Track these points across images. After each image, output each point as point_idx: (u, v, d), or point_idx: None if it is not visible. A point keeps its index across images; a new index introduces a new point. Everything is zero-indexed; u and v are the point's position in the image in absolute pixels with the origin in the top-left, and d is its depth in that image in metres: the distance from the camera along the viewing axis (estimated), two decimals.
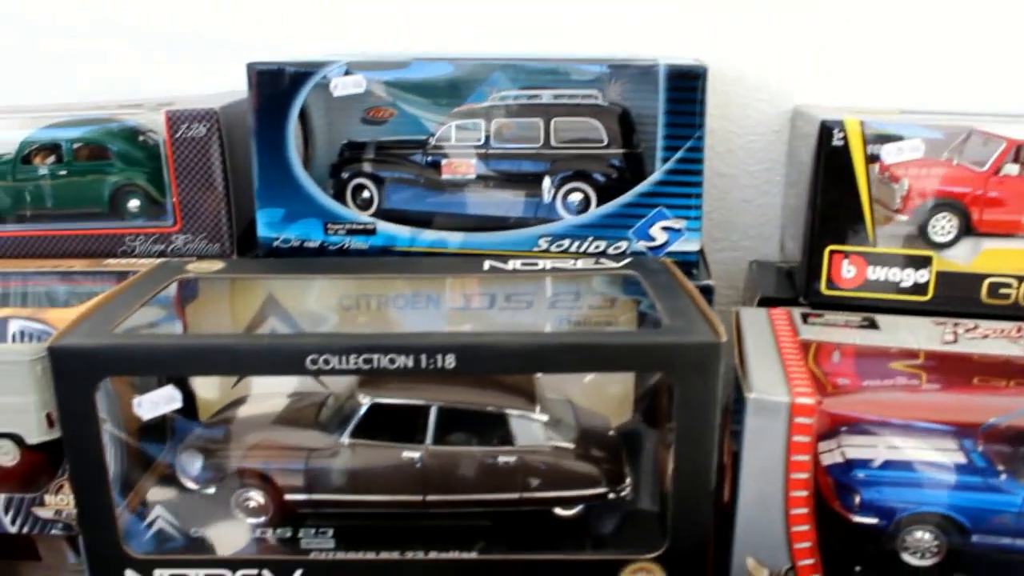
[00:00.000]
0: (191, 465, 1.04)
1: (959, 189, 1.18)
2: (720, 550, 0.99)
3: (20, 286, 1.34)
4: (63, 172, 1.41)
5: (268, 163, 1.25)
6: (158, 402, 0.94)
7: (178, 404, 0.95)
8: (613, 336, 0.97)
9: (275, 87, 1.23)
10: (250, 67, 1.22)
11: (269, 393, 1.16)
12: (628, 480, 1.04)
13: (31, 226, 1.40)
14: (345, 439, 1.02)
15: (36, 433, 1.21)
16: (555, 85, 1.29)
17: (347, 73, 1.24)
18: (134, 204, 1.40)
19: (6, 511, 1.16)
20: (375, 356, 0.89)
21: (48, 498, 1.14)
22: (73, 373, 0.91)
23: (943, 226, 1.20)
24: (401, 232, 1.26)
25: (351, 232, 1.27)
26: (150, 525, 1.02)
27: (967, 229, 1.20)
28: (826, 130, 1.14)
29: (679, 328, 0.92)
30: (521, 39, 1.45)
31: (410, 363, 0.89)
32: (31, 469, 1.24)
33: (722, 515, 0.98)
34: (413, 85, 1.32)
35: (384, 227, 1.26)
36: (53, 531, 1.16)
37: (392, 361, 0.89)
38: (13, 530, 1.17)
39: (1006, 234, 1.18)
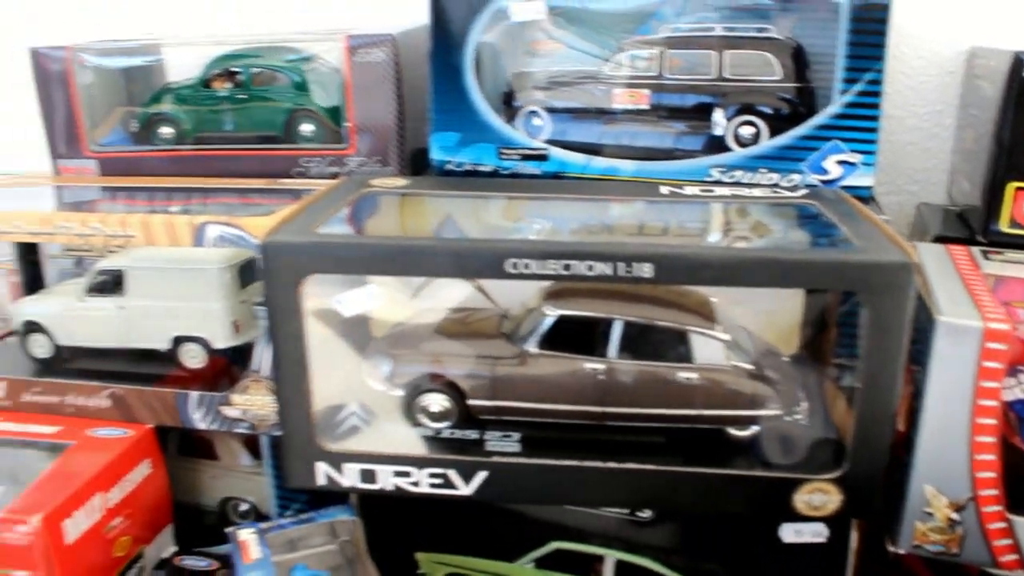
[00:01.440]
0: (380, 368, 1.09)
1: None
2: (896, 478, 1.00)
3: (200, 203, 1.42)
4: (242, 96, 1.48)
5: (444, 88, 1.29)
6: (359, 299, 0.99)
7: (379, 302, 1.00)
8: (811, 253, 0.98)
9: (455, 12, 1.26)
10: None
11: (440, 307, 1.21)
12: (803, 404, 1.06)
13: (211, 146, 1.47)
14: (531, 348, 1.05)
15: (223, 339, 1.29)
16: (725, 19, 1.30)
17: None
18: (307, 128, 1.47)
19: (197, 408, 1.23)
20: (573, 262, 0.92)
21: (234, 397, 1.22)
22: (283, 268, 0.97)
23: None
24: (574, 159, 1.29)
25: (524, 158, 1.30)
26: (342, 422, 1.08)
27: None
28: (1018, 62, 1.12)
29: (871, 248, 0.93)
30: None
31: (608, 270, 0.92)
32: (215, 373, 1.32)
33: (895, 447, 0.99)
34: (583, 16, 1.34)
35: (556, 153, 1.29)
36: (237, 429, 1.23)
37: (590, 268, 0.92)
38: (203, 426, 1.25)
39: None
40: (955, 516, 0.98)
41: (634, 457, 1.03)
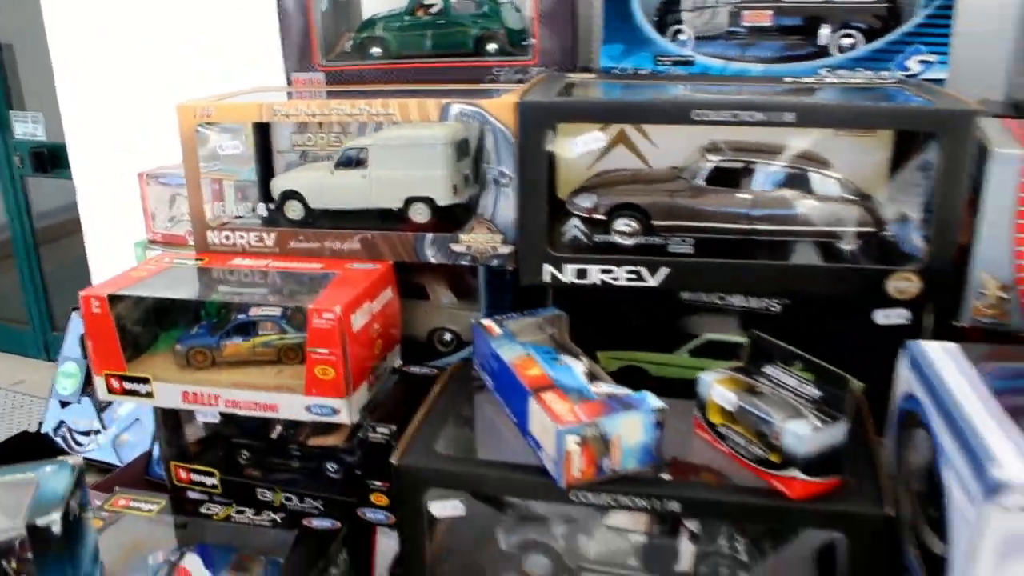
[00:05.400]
0: (586, 201, 1.66)
1: None
2: (959, 272, 1.55)
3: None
4: (440, 22, 2.06)
5: (614, 11, 1.85)
6: (589, 142, 1.56)
7: (603, 143, 1.57)
8: (906, 104, 1.54)
9: None
10: None
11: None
12: (890, 224, 1.61)
13: (416, 60, 2.05)
14: (699, 183, 1.62)
15: (445, 198, 1.86)
16: None
17: None
18: (492, 47, 2.04)
19: (431, 246, 1.81)
20: (739, 112, 1.49)
21: (462, 236, 1.79)
22: (534, 120, 1.54)
23: None
24: (714, 63, 1.85)
25: (675, 63, 1.86)
26: (565, 233, 1.66)
27: None
28: None
29: (947, 104, 1.49)
30: None
31: (763, 117, 1.48)
32: (435, 228, 1.89)
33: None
34: None
35: (700, 59, 1.85)
36: (462, 261, 1.80)
37: (752, 116, 1.49)
38: (434, 260, 1.81)
39: None
40: (1003, 295, 1.53)
41: (771, 258, 1.59)
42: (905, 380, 1.41)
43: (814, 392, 1.36)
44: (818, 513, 1.34)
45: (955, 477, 1.19)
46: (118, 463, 2.63)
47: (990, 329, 1.55)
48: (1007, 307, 1.52)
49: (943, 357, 1.37)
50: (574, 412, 1.34)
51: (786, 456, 1.32)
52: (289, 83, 2.11)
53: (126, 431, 2.67)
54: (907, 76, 1.75)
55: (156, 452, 2.45)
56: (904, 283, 1.53)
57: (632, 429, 1.34)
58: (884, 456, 1.45)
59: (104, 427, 2.69)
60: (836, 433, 1.32)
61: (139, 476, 2.37)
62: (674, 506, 1.36)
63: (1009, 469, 1.10)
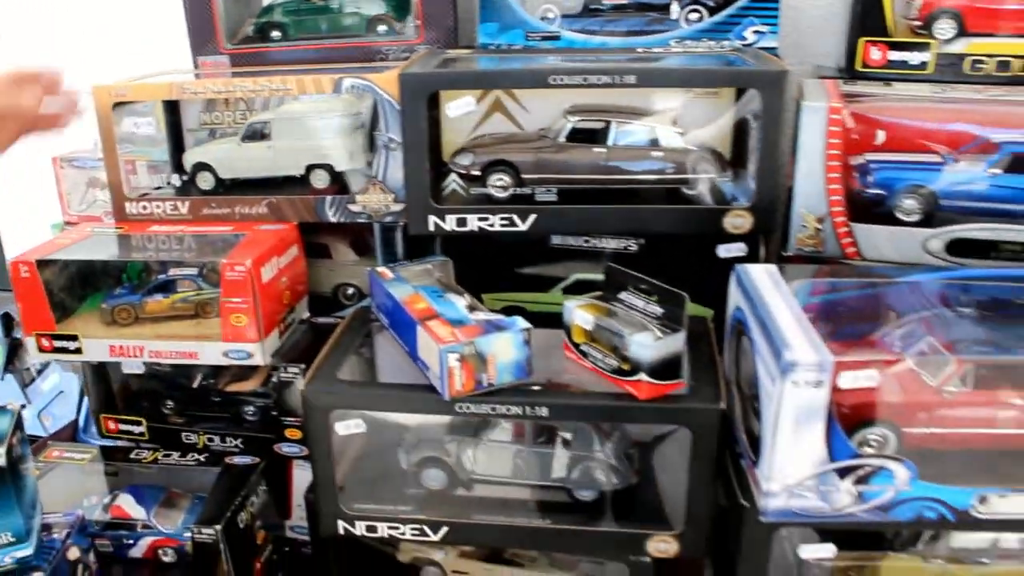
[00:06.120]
0: (464, 159, 1.93)
1: (957, 1, 1.99)
2: (785, 207, 1.86)
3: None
4: (335, 6, 2.31)
5: None
6: (461, 106, 1.83)
7: (474, 107, 1.84)
8: (734, 67, 1.84)
9: None
10: None
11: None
12: (729, 173, 1.92)
13: (314, 42, 2.30)
14: (561, 140, 1.90)
15: (343, 164, 2.12)
16: None
17: None
18: (382, 28, 2.29)
19: (330, 207, 2.06)
20: (589, 76, 1.77)
21: (359, 197, 2.04)
22: (414, 88, 1.80)
23: (944, 28, 2.02)
24: (577, 37, 2.13)
25: (544, 38, 2.14)
26: (446, 188, 1.93)
27: (961, 30, 2.02)
28: None
29: (763, 65, 1.79)
30: None
31: (608, 80, 1.77)
32: (334, 192, 2.14)
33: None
34: None
35: (566, 34, 2.13)
36: (359, 219, 2.06)
37: (599, 79, 1.77)
38: (333, 220, 2.06)
39: (987, 33, 2.00)
40: (819, 226, 1.84)
41: (625, 202, 1.88)
42: (734, 297, 1.71)
43: (658, 310, 1.64)
44: (663, 410, 1.61)
45: (763, 366, 1.48)
46: (44, 435, 2.81)
47: (810, 256, 1.84)
48: (823, 237, 1.82)
49: (762, 275, 1.66)
50: (454, 334, 1.61)
51: (634, 363, 1.60)
52: (196, 66, 2.32)
53: (50, 404, 2.85)
54: (744, 45, 2.04)
55: (82, 421, 2.65)
56: (738, 219, 1.82)
57: (504, 347, 1.61)
58: (722, 368, 1.73)
59: (29, 401, 2.86)
60: (676, 342, 1.59)
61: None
62: (543, 411, 1.62)
63: (799, 352, 1.39)
